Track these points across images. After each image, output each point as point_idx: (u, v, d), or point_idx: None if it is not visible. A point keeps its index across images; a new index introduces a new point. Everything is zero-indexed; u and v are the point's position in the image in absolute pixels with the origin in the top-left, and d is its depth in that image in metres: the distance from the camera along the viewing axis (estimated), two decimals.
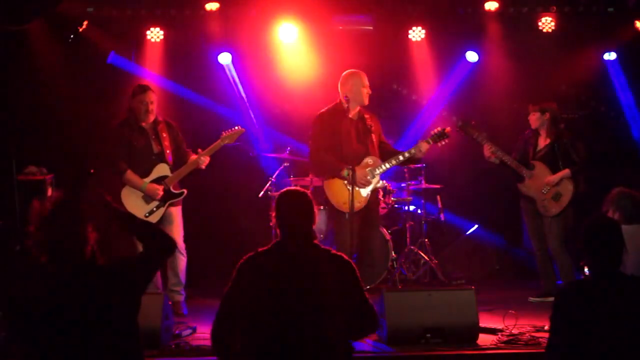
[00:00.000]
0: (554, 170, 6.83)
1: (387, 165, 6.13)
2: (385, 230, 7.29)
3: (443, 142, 6.24)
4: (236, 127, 6.30)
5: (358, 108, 6.17)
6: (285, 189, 3.79)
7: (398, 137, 8.29)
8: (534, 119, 6.94)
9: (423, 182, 7.83)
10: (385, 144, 6.33)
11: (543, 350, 3.65)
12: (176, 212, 6.27)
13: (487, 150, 6.78)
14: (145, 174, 6.14)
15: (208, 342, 5.25)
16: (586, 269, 4.71)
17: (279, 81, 8.26)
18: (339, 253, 3.68)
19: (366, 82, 6.15)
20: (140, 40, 8.07)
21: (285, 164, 7.71)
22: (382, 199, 6.89)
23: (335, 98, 6.25)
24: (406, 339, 5.13)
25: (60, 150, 7.64)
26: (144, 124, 6.19)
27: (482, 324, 5.33)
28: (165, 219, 6.20)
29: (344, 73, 6.20)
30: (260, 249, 3.67)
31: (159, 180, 6.15)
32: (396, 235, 7.82)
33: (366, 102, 6.16)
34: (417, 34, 8.15)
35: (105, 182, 6.31)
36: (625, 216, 5.32)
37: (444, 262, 7.94)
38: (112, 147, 6.18)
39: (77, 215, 3.22)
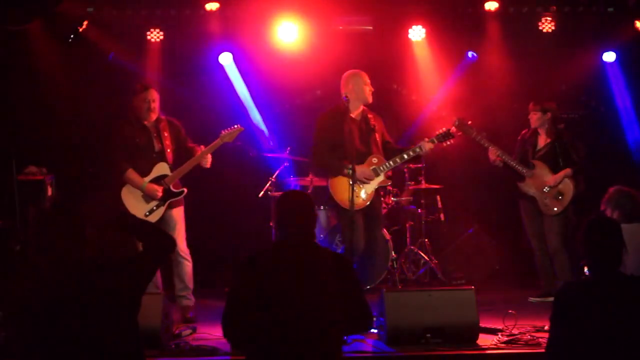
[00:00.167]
0: (555, 170, 6.84)
1: (392, 164, 6.15)
2: (385, 230, 7.29)
3: (448, 142, 6.25)
4: (235, 126, 6.30)
5: (361, 107, 6.18)
6: (286, 191, 3.83)
7: (398, 137, 8.28)
8: (535, 118, 6.94)
9: (423, 182, 7.83)
10: (389, 143, 6.35)
11: (543, 350, 3.65)
12: (178, 215, 6.24)
13: (493, 153, 6.78)
14: (145, 172, 6.13)
15: (208, 342, 5.29)
16: (586, 269, 4.71)
17: (279, 81, 8.25)
18: (337, 252, 3.71)
19: (367, 80, 6.16)
20: (140, 40, 8.07)
21: (285, 164, 7.71)
22: (382, 199, 6.89)
23: (336, 98, 6.25)
24: (406, 339, 5.13)
25: (60, 150, 7.64)
26: (145, 122, 6.18)
27: (482, 324, 5.33)
28: (167, 223, 6.17)
29: (345, 74, 6.20)
30: (261, 249, 3.71)
31: (158, 179, 6.14)
32: (396, 235, 7.82)
33: (369, 99, 6.17)
34: (417, 33, 8.15)
35: (105, 181, 6.36)
36: (624, 215, 5.32)
37: (444, 262, 7.94)
38: (113, 146, 6.17)
39: (76, 216, 3.22)
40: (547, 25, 8.06)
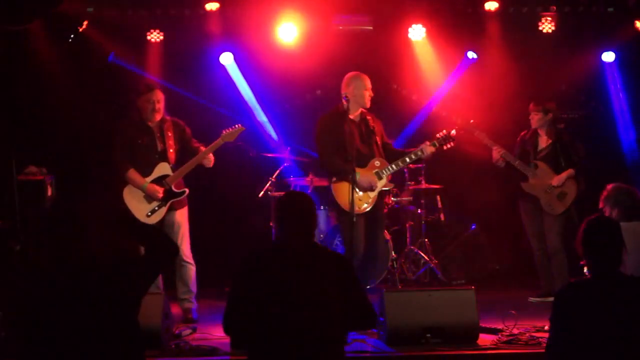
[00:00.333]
0: (556, 170, 6.85)
1: (394, 167, 6.15)
2: (385, 230, 7.29)
3: (449, 145, 6.24)
4: (236, 126, 6.29)
5: (360, 110, 6.18)
6: (287, 191, 3.86)
7: (398, 137, 8.29)
8: (537, 119, 6.94)
9: (423, 182, 7.83)
10: (388, 145, 6.34)
11: (543, 350, 3.65)
12: (182, 217, 6.23)
13: (497, 153, 6.78)
14: (147, 172, 6.13)
15: (208, 342, 5.29)
16: (585, 269, 4.71)
17: (278, 81, 8.25)
18: (337, 252, 3.73)
19: (369, 85, 6.14)
20: (140, 40, 8.07)
21: (285, 164, 7.71)
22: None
23: (336, 98, 6.25)
24: (406, 339, 5.13)
25: (60, 150, 7.64)
26: (149, 123, 6.17)
27: (482, 324, 5.33)
28: (170, 224, 6.17)
29: (348, 75, 6.19)
30: (261, 248, 3.73)
31: (160, 179, 6.14)
32: (396, 235, 7.83)
33: (367, 104, 6.16)
34: (417, 33, 8.14)
35: (107, 181, 6.35)
36: (623, 212, 5.31)
37: (444, 262, 7.94)
38: (115, 146, 6.16)
39: (77, 215, 3.22)
40: (547, 25, 8.06)
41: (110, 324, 3.12)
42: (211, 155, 6.20)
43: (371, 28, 8.10)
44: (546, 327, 4.87)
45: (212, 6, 7.83)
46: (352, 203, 5.70)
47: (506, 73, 8.06)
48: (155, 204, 6.11)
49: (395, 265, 7.44)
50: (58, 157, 7.44)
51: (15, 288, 3.13)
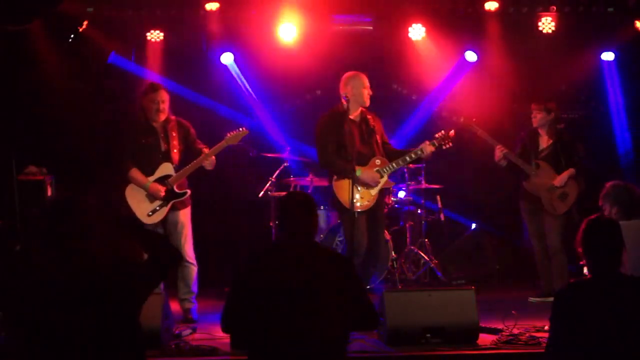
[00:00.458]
0: (558, 170, 6.85)
1: (395, 166, 6.15)
2: (385, 230, 7.29)
3: (447, 146, 6.25)
4: (240, 129, 6.29)
5: (360, 109, 6.18)
6: (289, 191, 3.87)
7: (398, 137, 8.29)
8: (539, 117, 6.93)
9: (423, 182, 7.83)
10: (388, 145, 6.35)
11: (543, 350, 3.65)
12: (185, 218, 6.22)
13: (500, 151, 6.78)
14: (150, 172, 6.13)
15: (208, 342, 5.29)
16: (585, 269, 4.71)
17: (278, 81, 8.26)
18: (338, 252, 3.73)
19: (367, 83, 6.15)
20: (140, 40, 8.07)
21: (285, 164, 7.70)
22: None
23: (336, 98, 6.25)
24: (406, 339, 5.13)
25: (60, 150, 7.64)
26: (154, 123, 6.17)
27: (482, 324, 5.33)
28: (172, 224, 6.16)
29: (345, 75, 6.20)
30: (263, 247, 3.73)
31: (162, 179, 6.13)
32: (396, 235, 7.83)
33: (367, 103, 6.17)
34: (417, 32, 8.14)
35: (110, 180, 6.34)
36: (623, 208, 5.30)
37: (444, 262, 7.94)
38: (118, 145, 6.16)
39: (79, 215, 3.21)
40: (547, 25, 8.05)
41: (112, 325, 3.12)
42: (213, 158, 6.20)
43: (371, 28, 8.10)
44: (546, 327, 4.86)
45: (212, 6, 7.83)
46: (352, 200, 5.71)
47: (506, 73, 8.07)
48: (156, 204, 6.12)
49: (395, 265, 7.44)
50: (58, 157, 7.44)
51: (16, 288, 3.12)
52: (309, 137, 6.51)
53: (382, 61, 8.01)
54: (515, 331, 5.35)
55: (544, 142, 6.98)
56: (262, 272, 3.58)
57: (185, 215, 6.23)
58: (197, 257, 6.35)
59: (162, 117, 6.16)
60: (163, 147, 6.16)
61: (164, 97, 6.17)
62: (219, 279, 7.36)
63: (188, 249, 6.18)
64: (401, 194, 7.82)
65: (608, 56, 8.35)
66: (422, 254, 7.75)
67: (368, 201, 6.05)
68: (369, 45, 8.03)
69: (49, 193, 6.87)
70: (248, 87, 8.33)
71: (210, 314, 6.24)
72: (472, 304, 5.25)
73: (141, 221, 5.99)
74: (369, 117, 6.20)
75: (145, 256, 3.35)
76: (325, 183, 6.66)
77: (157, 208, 6.12)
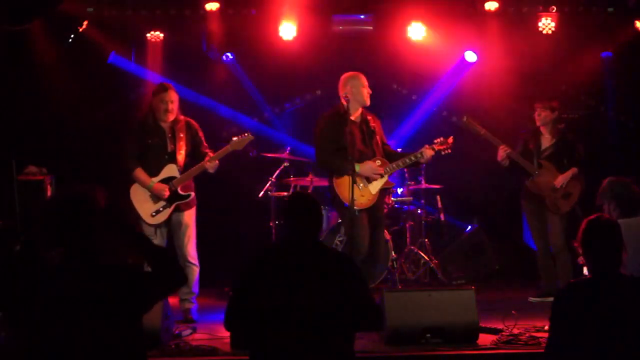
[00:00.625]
0: (561, 169, 6.85)
1: (395, 167, 6.17)
2: (385, 230, 7.29)
3: (446, 152, 6.27)
4: (246, 134, 6.28)
5: (360, 110, 6.18)
6: (294, 192, 3.89)
7: (398, 137, 8.29)
8: (543, 116, 6.92)
9: (423, 182, 7.83)
10: (387, 146, 6.36)
11: (543, 350, 3.65)
12: (189, 218, 6.22)
13: (503, 151, 6.77)
14: (155, 172, 6.12)
15: (208, 342, 5.29)
16: (585, 269, 4.71)
17: (278, 81, 8.26)
18: (342, 252, 3.74)
19: (365, 82, 6.15)
20: (140, 40, 8.07)
21: (285, 164, 7.70)
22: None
23: (336, 99, 6.25)
24: (406, 339, 5.13)
25: (60, 150, 7.64)
26: (162, 123, 6.16)
27: (482, 324, 5.33)
28: (176, 225, 6.17)
29: (343, 75, 6.19)
30: (267, 246, 3.75)
31: (166, 180, 6.13)
32: (396, 235, 7.83)
33: (367, 102, 6.17)
34: (417, 33, 8.12)
35: (114, 179, 6.33)
36: (622, 204, 5.28)
37: (444, 262, 7.94)
38: (125, 144, 6.15)
39: (89, 212, 3.19)
40: (547, 25, 8.05)
41: (114, 327, 3.11)
42: (216, 162, 6.19)
43: (371, 28, 8.10)
44: (546, 327, 4.86)
45: (212, 6, 7.83)
46: (352, 198, 5.71)
47: (506, 73, 8.07)
48: (160, 205, 6.11)
49: (395, 265, 7.43)
50: (58, 157, 7.45)
51: (15, 288, 3.12)
52: (309, 137, 6.51)
53: (382, 61, 8.01)
54: (515, 331, 5.35)
55: (547, 141, 6.98)
56: (266, 271, 3.60)
57: (189, 216, 6.23)
58: (197, 257, 6.35)
59: (171, 117, 6.14)
60: (169, 148, 6.15)
61: (173, 97, 6.15)
62: (219, 279, 7.37)
63: (190, 250, 6.19)
64: (399, 190, 7.83)
65: (607, 56, 8.35)
66: (422, 254, 7.75)
67: (368, 199, 6.06)
68: (369, 45, 8.03)
69: (49, 193, 6.87)
70: (248, 87, 8.33)
71: (210, 314, 6.25)
72: (472, 304, 5.25)
73: (140, 215, 6.02)
74: (369, 118, 6.21)
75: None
76: (325, 183, 6.66)
77: (161, 209, 6.12)
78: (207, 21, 7.96)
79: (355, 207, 5.86)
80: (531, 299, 6.90)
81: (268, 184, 7.58)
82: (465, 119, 6.75)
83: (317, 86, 8.41)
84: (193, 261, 6.21)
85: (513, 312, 5.50)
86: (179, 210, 6.16)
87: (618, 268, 3.48)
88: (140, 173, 6.09)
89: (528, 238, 7.46)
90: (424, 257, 7.75)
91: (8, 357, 4.14)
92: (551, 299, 3.67)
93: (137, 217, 6.08)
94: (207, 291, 6.95)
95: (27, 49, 7.42)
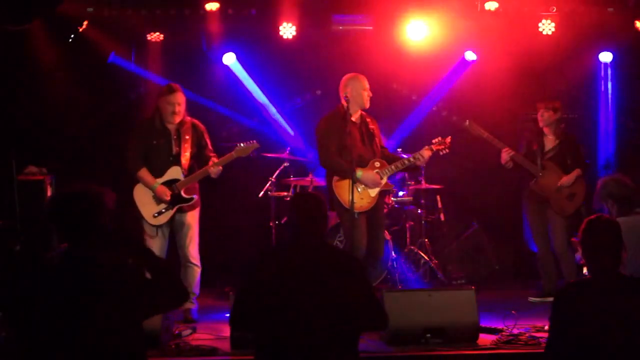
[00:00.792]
0: (565, 170, 6.84)
1: (393, 168, 6.18)
2: (385, 230, 7.29)
3: (444, 152, 6.27)
4: (252, 141, 6.28)
5: (359, 112, 6.19)
6: (299, 192, 3.88)
7: (398, 137, 8.29)
8: (547, 116, 6.90)
9: (423, 182, 7.83)
10: (384, 148, 6.38)
11: (543, 350, 3.65)
12: (192, 219, 6.22)
13: (506, 154, 6.76)
14: (159, 174, 6.12)
15: (208, 342, 5.29)
16: (585, 269, 4.71)
17: (278, 81, 8.25)
18: (347, 252, 3.75)
19: (366, 85, 6.15)
20: (140, 40, 8.07)
21: (285, 164, 7.70)
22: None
23: (336, 99, 6.25)
24: (406, 339, 5.13)
25: (60, 150, 7.64)
26: (168, 125, 6.16)
27: (482, 324, 5.33)
28: (179, 226, 6.17)
29: (344, 77, 6.20)
30: (273, 246, 3.76)
31: (170, 182, 6.13)
32: (396, 235, 7.82)
33: (367, 105, 6.17)
34: (417, 33, 8.12)
35: (114, 179, 6.33)
36: (619, 201, 5.27)
37: (444, 262, 7.94)
38: (129, 144, 6.15)
39: (94, 210, 3.19)
40: (547, 25, 8.05)
41: (114, 327, 3.11)
42: (220, 167, 6.18)
43: (371, 28, 8.10)
44: (546, 327, 4.87)
45: (212, 6, 7.82)
46: (352, 201, 5.71)
47: (506, 73, 8.06)
48: (162, 206, 6.12)
49: (395, 265, 7.43)
50: (58, 157, 7.45)
51: (15, 288, 3.12)
52: (309, 137, 6.51)
53: (382, 61, 8.00)
54: (515, 331, 5.36)
55: (550, 142, 6.96)
56: (272, 271, 3.60)
57: (192, 217, 6.22)
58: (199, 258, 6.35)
59: (177, 119, 6.13)
60: (174, 149, 6.15)
61: (180, 99, 6.14)
62: (219, 279, 7.37)
63: (192, 250, 6.19)
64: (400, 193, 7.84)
65: (606, 57, 8.34)
66: (422, 254, 7.75)
67: (368, 202, 6.07)
68: (369, 45, 8.03)
69: (49, 193, 6.87)
70: (247, 87, 8.32)
71: (210, 314, 6.25)
72: (472, 304, 5.25)
73: (143, 215, 6.02)
74: (368, 119, 6.23)
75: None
76: (324, 183, 6.65)
77: (163, 210, 6.12)
78: (207, 21, 7.95)
79: (355, 211, 5.86)
80: (531, 299, 6.90)
81: (268, 184, 7.58)
82: (467, 122, 6.73)
83: (317, 86, 8.41)
84: (194, 262, 6.21)
85: (513, 312, 5.50)
86: (182, 211, 6.17)
87: (618, 268, 3.49)
88: (144, 173, 6.09)
89: (528, 238, 7.46)
90: (424, 257, 7.75)
91: (8, 357, 4.15)
92: (551, 299, 3.67)
93: (139, 217, 6.09)
94: (207, 291, 6.95)
95: (27, 49, 7.41)
